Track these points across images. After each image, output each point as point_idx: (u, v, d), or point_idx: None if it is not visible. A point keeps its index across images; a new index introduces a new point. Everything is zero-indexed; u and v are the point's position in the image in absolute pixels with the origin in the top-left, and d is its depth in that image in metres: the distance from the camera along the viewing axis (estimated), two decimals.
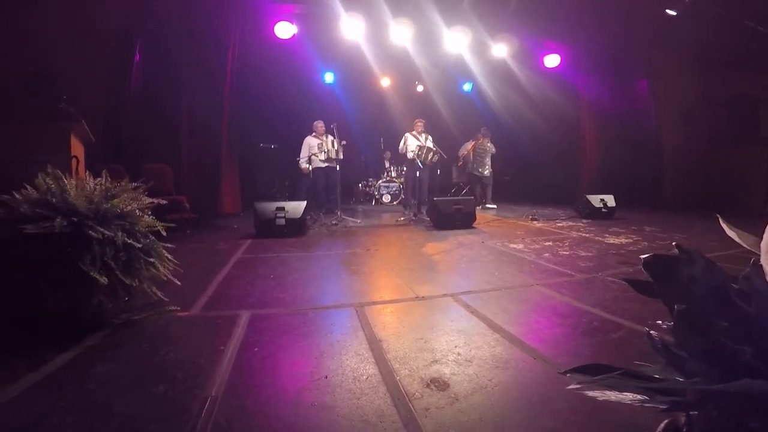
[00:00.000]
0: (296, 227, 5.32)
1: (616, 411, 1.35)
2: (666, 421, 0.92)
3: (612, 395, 0.86)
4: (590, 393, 0.90)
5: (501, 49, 8.47)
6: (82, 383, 1.63)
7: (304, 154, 7.28)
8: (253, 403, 1.50)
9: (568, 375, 0.96)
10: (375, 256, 4.17)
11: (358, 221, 6.72)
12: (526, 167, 11.35)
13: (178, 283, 2.48)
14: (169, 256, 2.43)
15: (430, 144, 7.26)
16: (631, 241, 4.84)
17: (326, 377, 1.69)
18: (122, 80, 6.26)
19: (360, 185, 10.68)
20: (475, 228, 5.94)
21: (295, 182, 8.93)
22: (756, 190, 7.72)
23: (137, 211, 2.32)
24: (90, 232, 2.00)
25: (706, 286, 0.82)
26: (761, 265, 0.80)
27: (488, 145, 8.97)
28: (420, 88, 11.53)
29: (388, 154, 10.75)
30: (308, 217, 5.89)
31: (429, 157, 7.11)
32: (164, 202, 2.63)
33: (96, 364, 1.79)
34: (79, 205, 2.08)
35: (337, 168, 6.88)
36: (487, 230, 5.78)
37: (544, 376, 1.71)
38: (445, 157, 7.59)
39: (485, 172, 8.92)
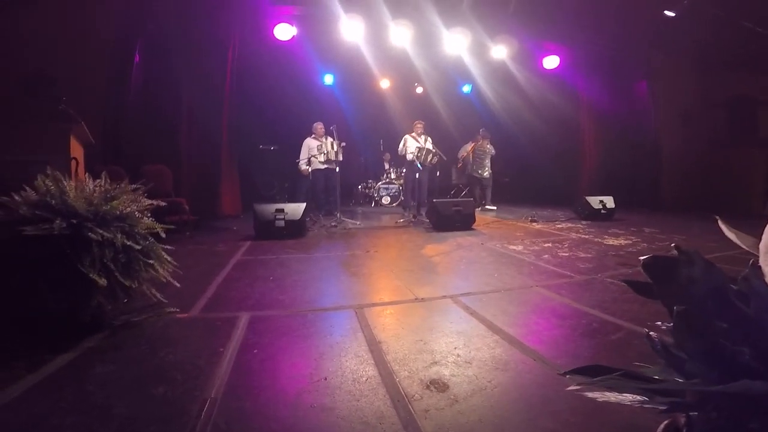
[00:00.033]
0: (296, 229, 5.32)
1: (615, 412, 1.35)
2: (666, 422, 0.92)
3: (611, 396, 0.86)
4: (590, 394, 0.90)
5: (500, 51, 8.49)
6: (81, 384, 1.63)
7: (303, 155, 7.27)
8: (253, 405, 1.50)
9: (567, 376, 0.96)
10: (374, 258, 4.16)
11: (358, 223, 6.73)
12: (525, 169, 11.35)
13: (178, 284, 2.48)
14: (169, 258, 2.43)
15: (429, 146, 7.26)
16: (630, 242, 4.84)
17: (326, 379, 1.69)
18: (122, 81, 6.26)
19: (359, 187, 10.69)
20: (474, 229, 5.94)
21: (294, 184, 8.93)
22: (755, 191, 7.73)
23: (137, 212, 2.32)
24: (89, 233, 2.01)
25: (705, 288, 0.82)
26: (760, 267, 0.80)
27: (488, 146, 8.97)
28: (419, 90, 11.54)
29: (387, 155, 10.74)
30: (308, 218, 5.89)
31: (428, 159, 7.11)
32: (163, 203, 2.63)
33: (95, 366, 1.79)
34: (79, 207, 2.08)
35: (337, 170, 6.88)
36: (487, 232, 5.78)
37: (544, 377, 1.71)
38: (445, 158, 7.59)
39: (485, 174, 8.91)
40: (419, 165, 7.10)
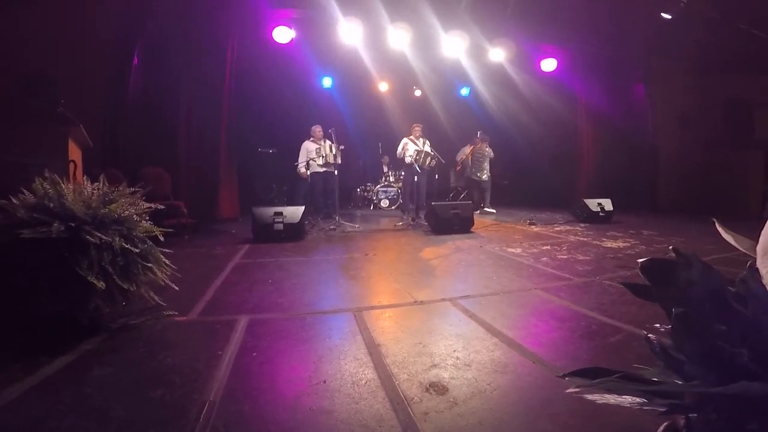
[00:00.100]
0: (294, 232, 5.32)
1: (615, 414, 1.35)
2: (665, 424, 0.92)
3: (611, 398, 0.86)
4: (589, 396, 0.91)
5: (498, 54, 8.53)
6: (79, 387, 1.62)
7: (302, 158, 7.28)
8: (252, 408, 1.49)
9: (566, 379, 0.96)
10: (373, 261, 4.16)
11: (356, 226, 6.73)
12: (523, 171, 11.38)
13: (176, 288, 2.47)
14: (167, 261, 2.43)
15: (428, 148, 7.27)
16: (628, 244, 4.85)
17: (325, 382, 1.69)
18: (121, 84, 6.26)
19: (358, 190, 10.70)
20: (473, 232, 5.94)
21: (293, 187, 8.92)
22: (752, 193, 7.76)
23: (135, 216, 2.32)
24: (87, 237, 2.00)
25: (703, 290, 0.83)
26: (757, 269, 0.81)
27: (487, 149, 8.98)
28: (418, 93, 11.58)
29: (386, 158, 10.76)
30: (306, 221, 5.88)
31: (427, 162, 7.11)
32: (162, 207, 2.62)
33: (93, 368, 1.78)
34: (77, 210, 2.08)
35: (336, 173, 6.89)
36: (485, 235, 5.79)
37: (543, 379, 1.71)
38: (443, 161, 7.60)
39: (483, 177, 8.91)
40: (418, 168, 7.11)
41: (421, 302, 2.78)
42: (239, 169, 8.03)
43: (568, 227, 6.43)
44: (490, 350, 1.99)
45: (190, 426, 1.37)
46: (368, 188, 10.51)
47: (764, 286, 0.78)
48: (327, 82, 10.56)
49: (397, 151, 7.57)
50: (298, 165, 7.31)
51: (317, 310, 2.66)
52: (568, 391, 0.91)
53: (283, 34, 7.33)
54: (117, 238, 2.11)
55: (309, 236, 5.67)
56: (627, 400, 0.84)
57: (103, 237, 2.04)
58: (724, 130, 8.44)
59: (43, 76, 3.64)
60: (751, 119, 8.05)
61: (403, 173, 8.22)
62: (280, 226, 5.19)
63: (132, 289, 2.16)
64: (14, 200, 2.05)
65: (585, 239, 5.27)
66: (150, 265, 2.27)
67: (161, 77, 6.94)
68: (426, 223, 6.40)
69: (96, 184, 2.36)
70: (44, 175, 2.20)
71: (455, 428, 1.38)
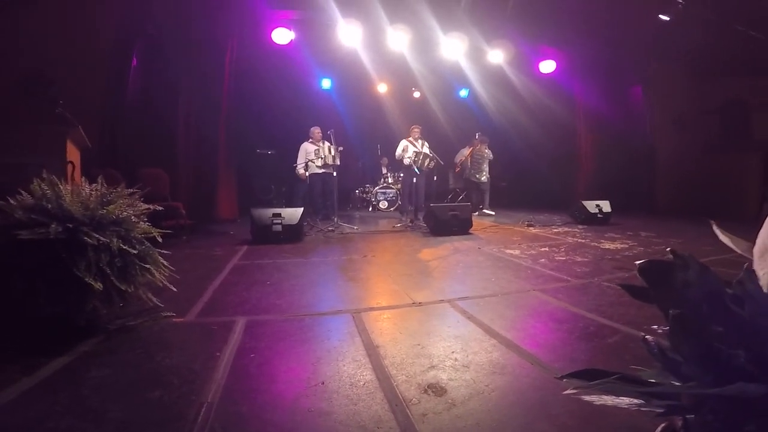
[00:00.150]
0: (293, 233, 5.31)
1: (612, 415, 1.35)
2: (662, 425, 0.92)
3: (608, 400, 0.86)
4: (587, 398, 0.91)
5: (497, 55, 8.55)
6: (76, 388, 1.62)
7: (301, 160, 7.28)
8: (250, 409, 1.49)
9: (564, 380, 0.96)
10: (372, 263, 4.16)
11: (355, 227, 6.72)
12: (522, 173, 11.40)
13: (174, 289, 2.47)
14: (165, 263, 2.42)
15: (426, 150, 7.28)
16: (626, 246, 4.86)
17: (323, 383, 1.68)
18: (119, 84, 6.25)
19: (357, 191, 10.69)
20: (471, 234, 5.95)
21: (292, 188, 8.91)
22: (749, 195, 7.78)
23: (133, 217, 2.31)
24: (85, 238, 2.00)
25: (701, 291, 0.83)
26: (754, 270, 0.81)
27: (486, 151, 8.97)
28: (417, 94, 11.58)
29: (385, 160, 10.76)
30: (305, 223, 5.88)
31: (426, 164, 7.12)
32: (160, 208, 2.62)
33: (91, 370, 1.78)
34: (75, 211, 2.08)
35: (334, 174, 6.89)
36: (484, 236, 5.79)
37: (541, 381, 1.71)
38: (442, 163, 7.61)
39: (482, 178, 8.89)
40: (417, 169, 7.11)
41: (420, 303, 2.78)
42: (238, 170, 8.03)
43: (566, 229, 6.44)
44: (489, 351, 1.99)
45: (188, 427, 1.37)
46: (367, 190, 10.50)
47: (761, 287, 0.78)
48: (326, 83, 10.56)
49: (396, 153, 7.58)
50: (296, 166, 7.31)
51: (316, 311, 2.66)
52: (566, 392, 0.91)
53: (282, 36, 7.34)
54: (115, 239, 2.11)
55: (307, 237, 5.67)
56: (624, 401, 0.84)
57: (101, 238, 2.04)
58: (721, 132, 8.48)
59: (42, 77, 3.64)
60: (749, 121, 8.09)
61: (401, 175, 8.23)
62: (279, 228, 5.19)
63: (130, 291, 2.16)
64: (12, 201, 2.05)
65: (583, 241, 5.28)
66: (148, 266, 2.27)
67: (160, 78, 6.93)
68: (424, 225, 6.40)
69: (94, 185, 2.36)
70: (42, 175, 2.20)
71: (453, 429, 1.38)
